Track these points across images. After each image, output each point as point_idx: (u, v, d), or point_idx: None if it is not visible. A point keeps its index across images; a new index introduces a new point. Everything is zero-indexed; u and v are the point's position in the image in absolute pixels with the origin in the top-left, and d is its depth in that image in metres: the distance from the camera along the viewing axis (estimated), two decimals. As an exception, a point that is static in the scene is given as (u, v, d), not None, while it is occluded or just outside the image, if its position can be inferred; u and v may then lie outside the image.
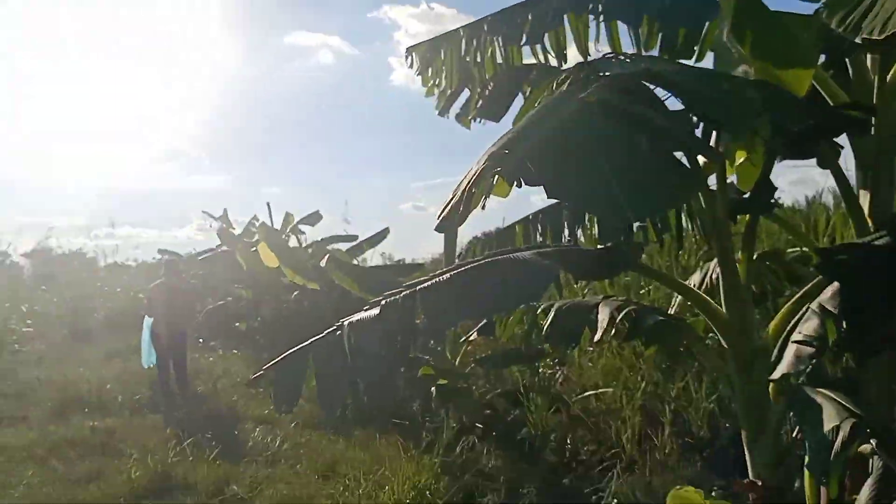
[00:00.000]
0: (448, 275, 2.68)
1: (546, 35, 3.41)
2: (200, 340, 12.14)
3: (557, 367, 6.94)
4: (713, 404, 5.60)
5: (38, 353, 11.89)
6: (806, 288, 2.77)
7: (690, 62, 3.13)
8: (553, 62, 3.50)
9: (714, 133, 2.49)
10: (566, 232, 3.34)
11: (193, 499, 4.79)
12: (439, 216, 2.02)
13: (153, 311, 8.91)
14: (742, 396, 2.97)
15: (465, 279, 2.60)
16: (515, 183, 1.64)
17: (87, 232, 27.23)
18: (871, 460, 1.93)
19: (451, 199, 1.95)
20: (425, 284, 2.65)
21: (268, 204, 14.11)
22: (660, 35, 3.21)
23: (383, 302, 2.59)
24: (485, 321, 4.95)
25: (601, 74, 2.09)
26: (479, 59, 3.68)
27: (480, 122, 3.87)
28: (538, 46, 3.49)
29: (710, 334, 3.65)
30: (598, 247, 2.70)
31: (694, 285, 3.62)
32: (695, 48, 3.17)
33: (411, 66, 4.04)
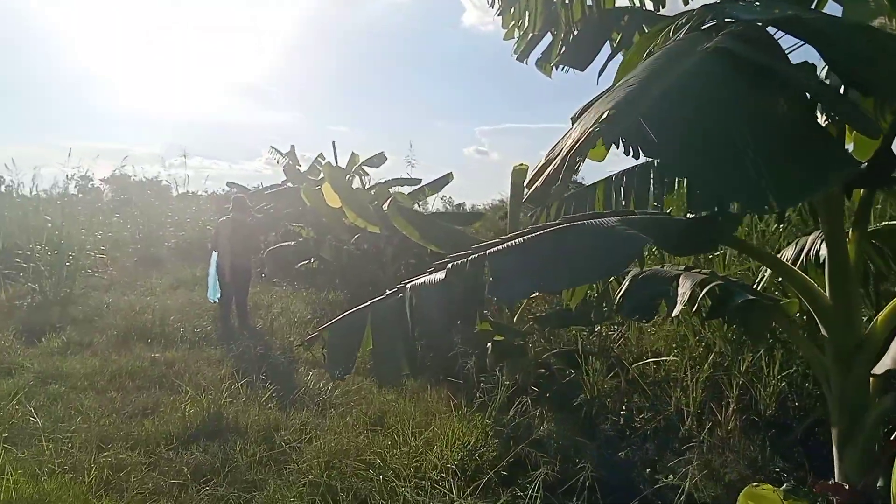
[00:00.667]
0: (520, 239, 2.44)
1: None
2: (262, 276, 12.29)
3: (617, 329, 6.65)
4: (784, 382, 5.27)
5: (110, 279, 12.27)
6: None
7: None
8: (650, 6, 3.12)
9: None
10: (652, 198, 3.02)
11: (242, 443, 4.77)
12: (529, 184, 1.77)
13: (220, 246, 8.98)
14: (837, 391, 2.67)
15: (540, 246, 2.36)
16: (626, 149, 1.37)
17: (161, 161, 27.77)
18: None
19: (544, 164, 1.70)
20: (495, 249, 2.42)
21: (333, 143, 14.06)
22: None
23: (449, 265, 2.38)
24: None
25: (728, 20, 1.76)
26: (566, 0, 3.33)
27: (563, 69, 3.53)
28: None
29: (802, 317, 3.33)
30: (689, 216, 2.38)
31: (786, 261, 3.27)
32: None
33: (492, 4, 3.71)
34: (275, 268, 13.27)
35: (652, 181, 3.01)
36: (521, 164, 6.39)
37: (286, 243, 14.34)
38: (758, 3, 1.95)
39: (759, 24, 1.70)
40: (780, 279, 3.41)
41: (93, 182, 24.36)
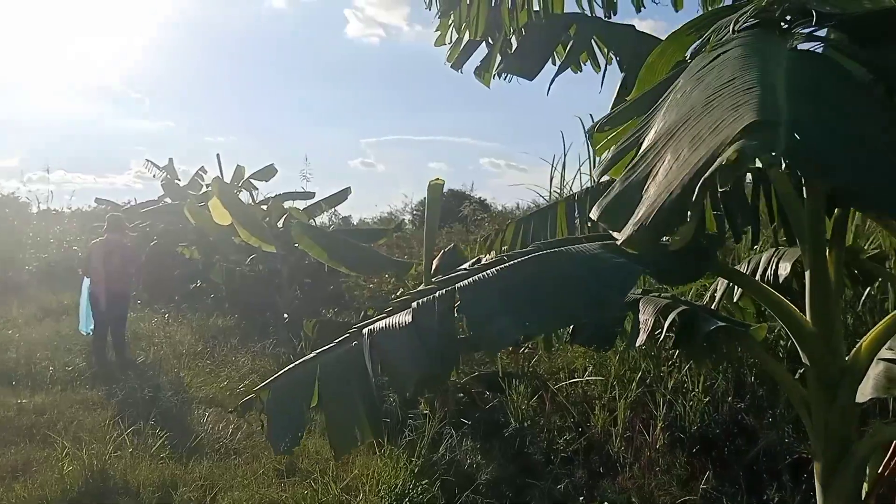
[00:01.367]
0: (492, 271, 2.09)
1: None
2: (139, 302, 11.20)
3: (538, 349, 6.45)
4: (707, 397, 5.25)
5: (-41, 309, 10.85)
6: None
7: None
8: (600, 13, 2.88)
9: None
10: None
11: (135, 504, 4.13)
12: (621, 226, 1.45)
13: (92, 272, 8.04)
14: (820, 421, 2.49)
15: (518, 279, 2.03)
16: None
17: (19, 175, 25.34)
18: None
19: (644, 195, 1.37)
20: (465, 282, 2.06)
21: (217, 155, 13.21)
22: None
23: (415, 304, 1.99)
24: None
25: (814, 11, 1.50)
26: (510, 4, 3.03)
27: (506, 78, 3.24)
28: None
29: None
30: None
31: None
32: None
33: (429, 6, 3.36)
34: (154, 291, 12.25)
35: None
36: (438, 179, 6.09)
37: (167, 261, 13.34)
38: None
39: (846, 20, 1.46)
40: (734, 301, 3.24)
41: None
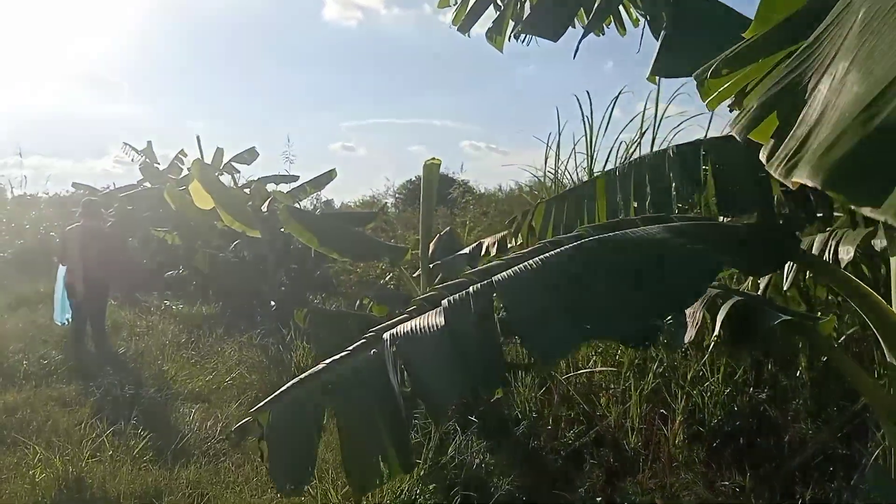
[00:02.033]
0: (535, 260, 1.72)
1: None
2: (117, 295, 10.71)
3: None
4: (729, 388, 4.94)
5: (-72, 300, 10.33)
6: None
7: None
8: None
9: None
10: (675, 194, 2.37)
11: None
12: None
13: (68, 260, 7.58)
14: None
15: (568, 270, 1.66)
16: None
17: (-5, 160, 24.45)
18: None
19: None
20: (503, 275, 1.69)
21: (198, 137, 12.66)
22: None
23: (445, 302, 1.62)
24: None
25: None
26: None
27: (524, 40, 2.84)
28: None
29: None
30: (746, 223, 1.78)
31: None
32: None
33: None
34: (135, 279, 11.78)
35: (672, 174, 2.39)
36: (434, 159, 5.69)
37: (147, 247, 12.86)
38: None
39: None
40: (783, 291, 2.90)
41: None
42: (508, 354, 5.75)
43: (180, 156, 15.26)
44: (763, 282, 3.08)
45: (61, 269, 7.73)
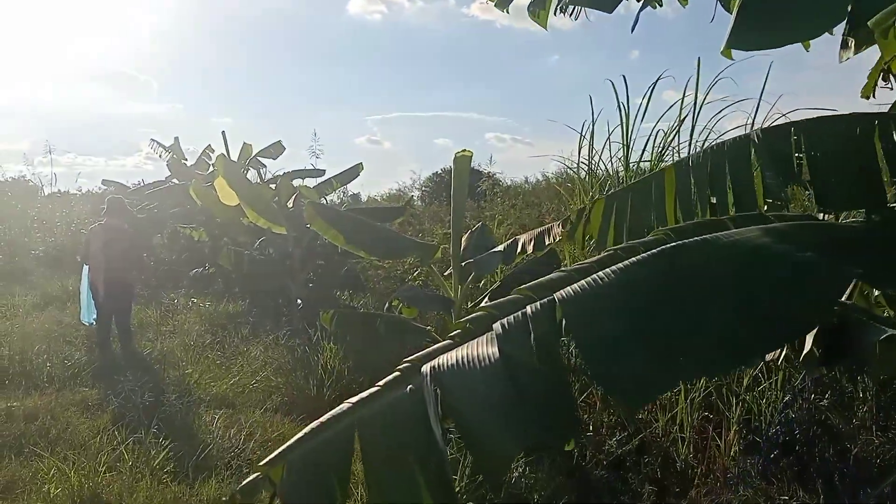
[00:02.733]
0: (606, 273, 1.40)
1: None
2: (143, 294, 10.59)
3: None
4: (788, 395, 4.57)
5: (-41, 297, 10.31)
6: None
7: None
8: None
9: None
10: (762, 191, 2.01)
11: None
12: None
13: (91, 258, 7.42)
14: None
15: (649, 286, 1.33)
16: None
17: (27, 159, 24.67)
18: None
19: None
20: (568, 291, 1.37)
21: (223, 132, 12.47)
22: None
23: (497, 326, 1.31)
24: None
25: None
26: None
27: (573, 13, 2.50)
28: None
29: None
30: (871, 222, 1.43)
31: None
32: None
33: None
34: (161, 276, 11.69)
35: (761, 166, 2.03)
36: (465, 151, 5.37)
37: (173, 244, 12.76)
38: None
39: None
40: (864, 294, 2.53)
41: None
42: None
43: (207, 151, 15.13)
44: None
45: (85, 269, 7.58)
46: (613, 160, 8.94)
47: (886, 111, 2.23)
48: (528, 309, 1.37)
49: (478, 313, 1.51)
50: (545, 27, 2.89)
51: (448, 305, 5.33)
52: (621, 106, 8.16)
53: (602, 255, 1.62)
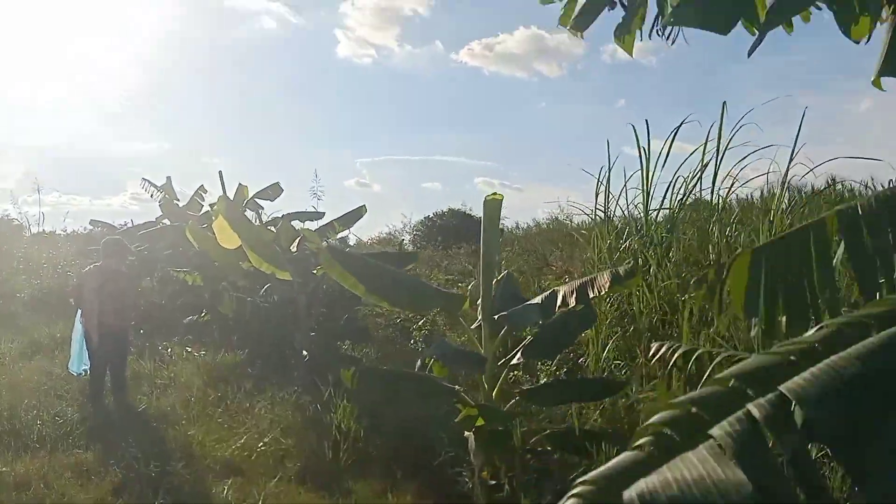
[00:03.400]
0: (844, 358, 1.07)
1: None
2: (137, 340, 10.09)
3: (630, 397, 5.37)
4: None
5: (-61, 346, 9.76)
6: None
7: None
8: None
9: None
10: None
11: None
12: None
13: (85, 303, 6.97)
14: None
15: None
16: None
17: (12, 198, 24.07)
18: None
19: None
20: (799, 381, 1.04)
21: (220, 172, 12.03)
22: None
23: (719, 432, 0.98)
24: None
25: None
26: None
27: (671, 37, 2.20)
28: None
29: None
30: None
31: None
32: None
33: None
34: (155, 324, 11.18)
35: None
36: (495, 195, 5.08)
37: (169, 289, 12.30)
38: None
39: None
40: None
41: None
42: (585, 417, 5.05)
43: (200, 192, 14.79)
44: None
45: (79, 314, 7.13)
46: (630, 206, 8.70)
47: None
48: (753, 409, 1.03)
49: (673, 411, 1.17)
50: (630, 53, 2.63)
51: (480, 363, 4.95)
52: (642, 150, 7.94)
53: (819, 331, 1.28)
